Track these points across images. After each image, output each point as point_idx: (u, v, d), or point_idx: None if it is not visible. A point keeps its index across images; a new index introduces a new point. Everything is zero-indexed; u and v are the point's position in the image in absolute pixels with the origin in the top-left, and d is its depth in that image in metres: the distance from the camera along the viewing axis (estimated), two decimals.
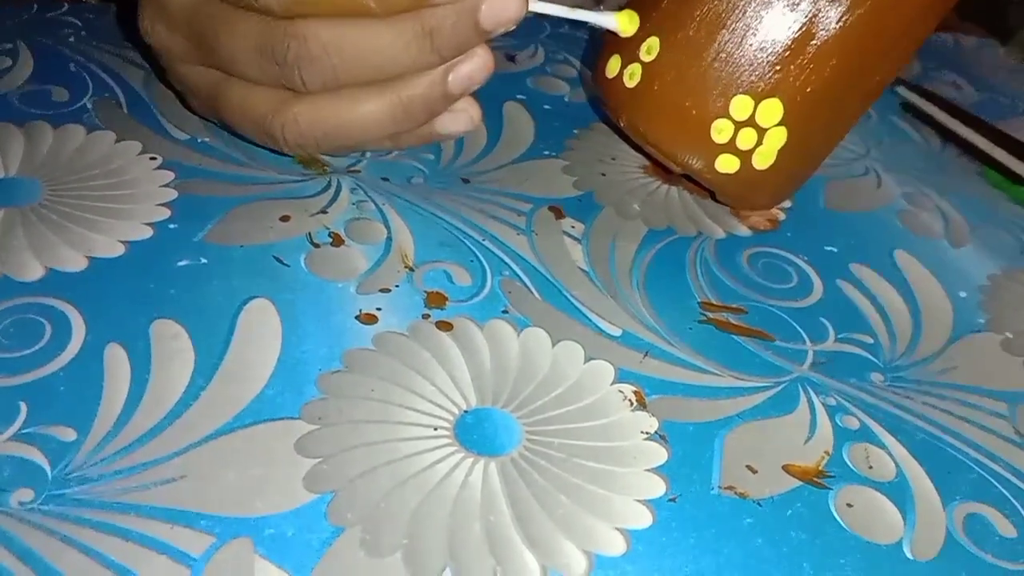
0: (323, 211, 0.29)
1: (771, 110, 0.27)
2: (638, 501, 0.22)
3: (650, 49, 0.28)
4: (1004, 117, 0.44)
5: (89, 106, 0.32)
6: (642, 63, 0.28)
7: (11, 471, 0.20)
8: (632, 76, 0.28)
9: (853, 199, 0.36)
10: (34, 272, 0.25)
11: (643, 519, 0.21)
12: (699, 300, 0.28)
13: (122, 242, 0.26)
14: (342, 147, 0.28)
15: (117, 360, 0.23)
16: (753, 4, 0.27)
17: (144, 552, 0.19)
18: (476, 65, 0.25)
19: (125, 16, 0.39)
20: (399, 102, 0.25)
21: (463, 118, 0.27)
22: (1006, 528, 0.23)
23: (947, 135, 0.42)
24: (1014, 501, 0.24)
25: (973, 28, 0.60)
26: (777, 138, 0.28)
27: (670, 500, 0.22)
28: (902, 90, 0.44)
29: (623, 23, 0.28)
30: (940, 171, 0.39)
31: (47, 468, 0.20)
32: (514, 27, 0.24)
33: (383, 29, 0.24)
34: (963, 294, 0.31)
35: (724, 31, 0.27)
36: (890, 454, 0.24)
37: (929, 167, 0.39)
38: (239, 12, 0.24)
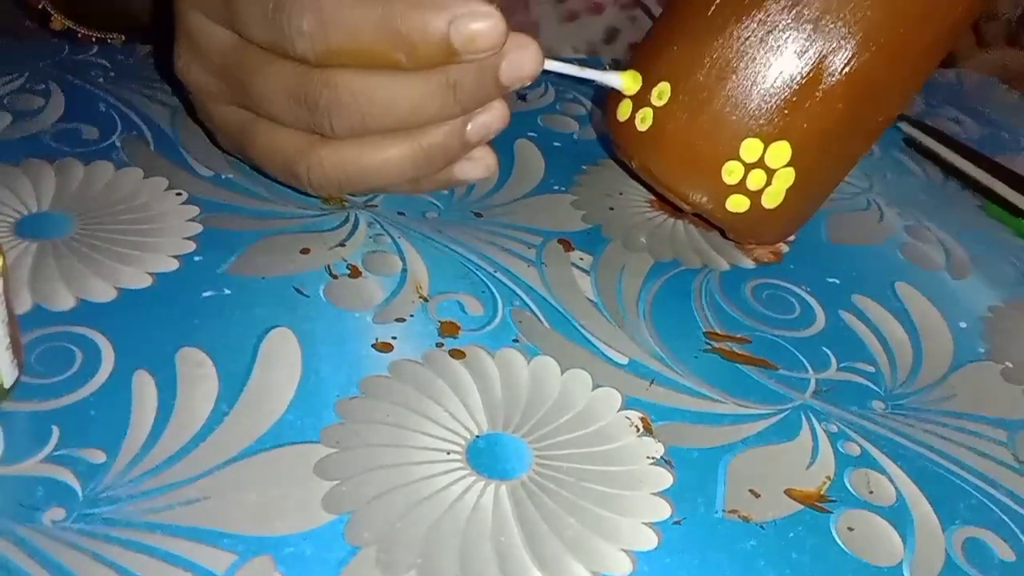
0: (341, 244, 0.30)
1: (780, 152, 0.28)
2: (644, 524, 0.22)
3: (661, 94, 0.29)
4: (1005, 152, 0.45)
5: (118, 144, 0.34)
6: (653, 107, 0.29)
7: (44, 491, 0.21)
8: (644, 120, 0.29)
9: (855, 232, 0.36)
10: (66, 302, 0.26)
11: (649, 541, 0.22)
12: (704, 330, 0.29)
13: (149, 274, 0.28)
14: (363, 190, 0.29)
15: (145, 386, 0.24)
16: (762, 51, 0.28)
17: (169, 569, 0.20)
18: (494, 116, 0.27)
19: (159, 54, 0.41)
20: (420, 149, 0.27)
21: (480, 166, 0.29)
22: (1005, 552, 0.23)
23: (949, 170, 0.42)
24: (1013, 526, 0.24)
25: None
26: (785, 178, 0.29)
27: (675, 523, 0.23)
28: (905, 126, 0.45)
29: (627, 82, 0.29)
30: (942, 205, 0.40)
31: (78, 488, 0.21)
32: (530, 83, 0.26)
33: (411, 82, 0.25)
34: (964, 324, 0.32)
35: (734, 76, 0.28)
36: (890, 479, 0.25)
37: (931, 201, 0.40)
38: (274, 58, 0.26)
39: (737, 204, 0.29)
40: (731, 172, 0.28)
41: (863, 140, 0.31)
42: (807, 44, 0.27)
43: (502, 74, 0.25)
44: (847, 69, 0.27)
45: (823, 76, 0.27)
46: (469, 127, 0.27)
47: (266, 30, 0.25)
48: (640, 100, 0.29)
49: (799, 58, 0.27)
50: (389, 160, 0.27)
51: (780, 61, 0.27)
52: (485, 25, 0.24)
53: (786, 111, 0.28)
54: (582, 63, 0.29)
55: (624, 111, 0.30)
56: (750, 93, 0.28)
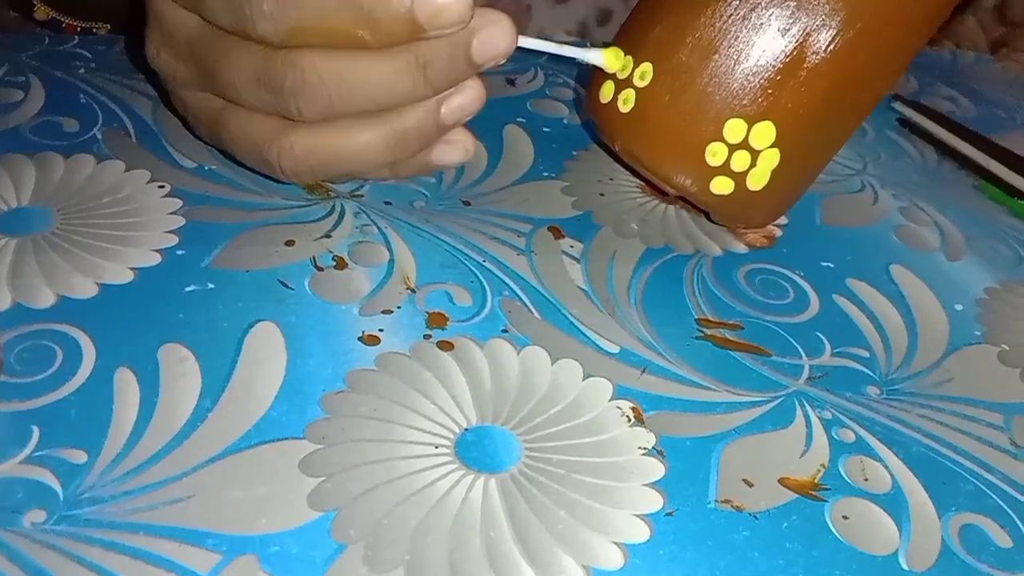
0: (327, 235, 0.30)
1: (764, 133, 0.28)
2: (636, 516, 0.22)
3: (644, 75, 0.28)
4: (1001, 131, 0.44)
5: (99, 136, 0.33)
6: (636, 88, 0.29)
7: (24, 493, 0.20)
8: (626, 101, 0.29)
9: (849, 215, 0.36)
10: (46, 299, 0.26)
11: (641, 533, 0.22)
12: (696, 317, 0.29)
13: (131, 269, 0.27)
14: (338, 175, 0.29)
15: (126, 384, 0.23)
16: (745, 30, 0.27)
17: (153, 570, 0.19)
18: (469, 96, 0.26)
19: (134, 44, 0.40)
20: (393, 132, 0.26)
21: (459, 149, 0.28)
22: (1002, 538, 0.23)
23: (944, 150, 0.42)
24: (1010, 512, 0.24)
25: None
26: (770, 160, 0.28)
27: (667, 514, 0.22)
28: (899, 105, 0.45)
29: (609, 59, 0.29)
30: (937, 185, 0.39)
31: (59, 490, 0.21)
32: (504, 61, 0.25)
33: (378, 61, 0.24)
34: (959, 307, 0.32)
35: (716, 55, 0.27)
36: (886, 466, 0.25)
37: (926, 182, 0.39)
38: (238, 41, 0.25)
39: (722, 186, 0.29)
40: (715, 153, 0.28)
41: (850, 120, 0.30)
42: (790, 22, 0.27)
43: (474, 52, 0.25)
44: (831, 47, 0.27)
45: (807, 55, 0.27)
46: (443, 109, 0.26)
47: (228, 12, 0.24)
48: (623, 81, 0.29)
49: (782, 36, 0.27)
50: (362, 144, 0.26)
51: (763, 40, 0.27)
52: None
53: (770, 91, 0.27)
54: (565, 43, 0.28)
55: (607, 93, 0.30)
56: (733, 72, 0.27)
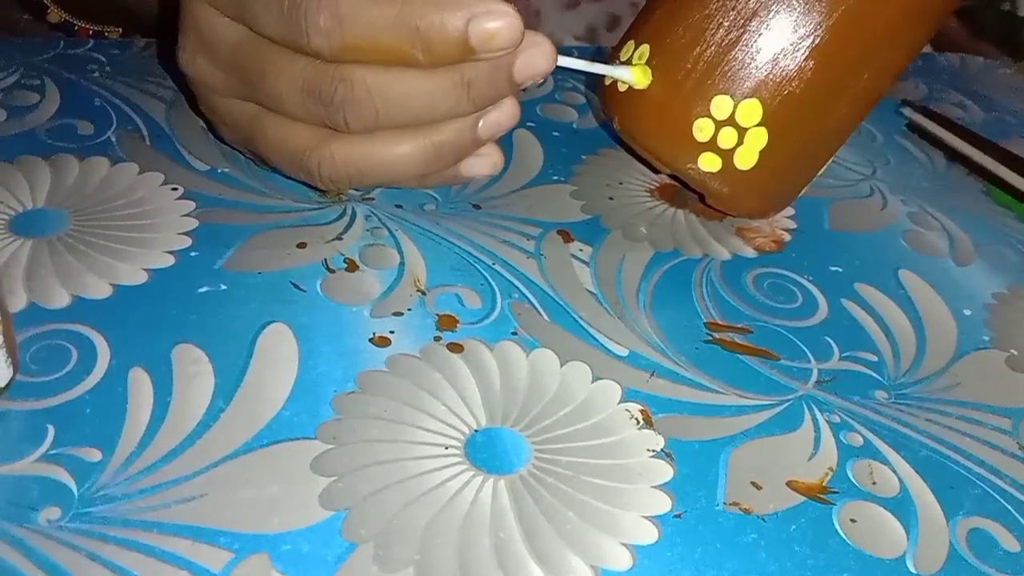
0: (338, 238, 0.30)
1: (750, 110, 0.29)
2: (644, 517, 0.22)
3: (642, 55, 0.30)
4: (1010, 136, 0.44)
5: (113, 139, 0.34)
6: (633, 67, 0.30)
7: (39, 490, 0.21)
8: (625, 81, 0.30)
9: (858, 219, 0.36)
10: (61, 299, 0.26)
11: (649, 535, 0.22)
12: (705, 320, 0.29)
13: (145, 270, 0.27)
14: (373, 184, 0.29)
15: (140, 383, 0.24)
16: (732, 13, 0.28)
17: (166, 568, 0.19)
18: (505, 113, 0.27)
19: (161, 46, 0.40)
20: (431, 145, 0.27)
21: (487, 162, 0.29)
22: (1009, 542, 0.23)
23: (952, 155, 0.42)
24: (1018, 516, 0.24)
25: (985, 47, 0.60)
26: (758, 138, 0.29)
27: (676, 516, 0.22)
28: (908, 111, 0.45)
29: (638, 77, 0.29)
30: (945, 191, 0.39)
31: (73, 487, 0.21)
32: (543, 80, 0.26)
33: (425, 79, 0.25)
34: (968, 312, 0.32)
35: (706, 35, 0.28)
36: (894, 470, 0.25)
37: (934, 187, 0.40)
38: (287, 53, 0.25)
39: (709, 163, 0.29)
40: (702, 129, 0.29)
41: (846, 107, 0.30)
42: (777, 4, 0.28)
43: (516, 72, 0.26)
44: (818, 29, 0.28)
45: (794, 37, 0.28)
46: (480, 124, 0.27)
47: (280, 25, 0.25)
48: (624, 62, 0.30)
49: (770, 18, 0.28)
50: (400, 155, 0.27)
51: (751, 20, 0.28)
52: (503, 23, 0.24)
53: (755, 70, 0.28)
54: (587, 52, 0.29)
55: None
56: (721, 51, 0.28)
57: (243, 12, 0.26)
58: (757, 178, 0.30)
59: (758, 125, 0.29)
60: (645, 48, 0.30)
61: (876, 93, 0.30)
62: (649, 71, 0.29)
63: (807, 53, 0.28)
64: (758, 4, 0.28)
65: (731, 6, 0.28)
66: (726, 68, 0.28)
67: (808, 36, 0.28)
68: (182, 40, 0.28)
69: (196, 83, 0.29)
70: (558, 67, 0.27)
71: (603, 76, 0.31)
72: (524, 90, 0.27)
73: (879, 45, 0.29)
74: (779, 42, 0.28)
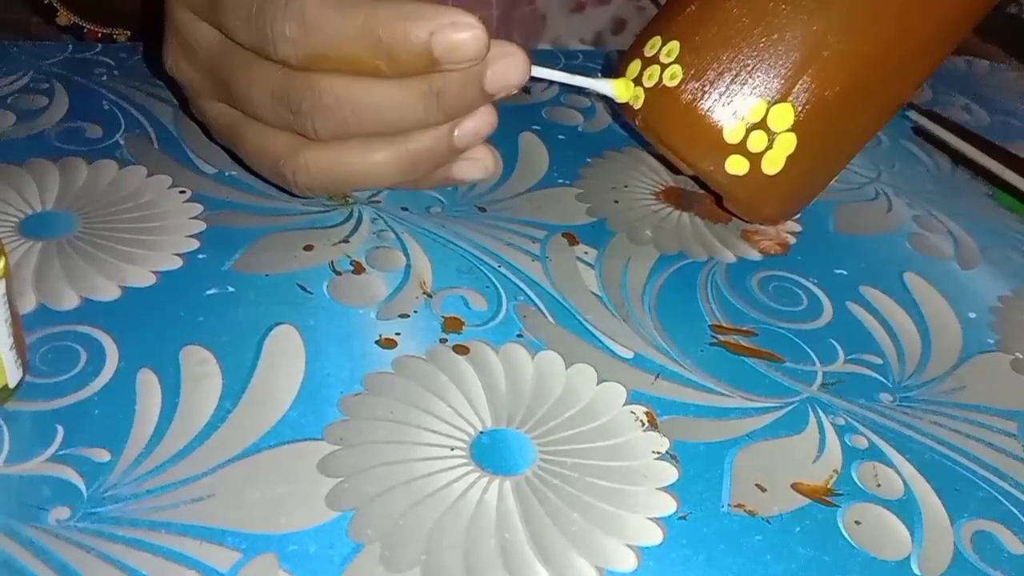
0: (345, 240, 0.30)
1: (782, 115, 0.28)
2: (649, 519, 0.22)
3: (671, 52, 0.29)
4: (1015, 140, 0.44)
5: (122, 142, 0.34)
6: (661, 65, 0.29)
7: (49, 490, 0.21)
8: (651, 77, 0.29)
9: (863, 223, 0.36)
10: (70, 301, 0.26)
11: (654, 536, 0.22)
12: (710, 323, 0.29)
13: (153, 272, 0.28)
14: (351, 191, 0.29)
15: (149, 385, 0.24)
16: (769, 14, 0.28)
17: (174, 567, 0.20)
18: (481, 122, 0.27)
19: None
20: (406, 153, 0.27)
21: (478, 166, 0.29)
22: (1014, 545, 0.23)
23: (958, 158, 0.42)
24: (1022, 518, 0.24)
25: (994, 50, 0.60)
26: (787, 144, 0.29)
27: (680, 518, 0.22)
28: (913, 114, 0.45)
29: (619, 90, 0.29)
30: (951, 194, 0.39)
31: (83, 487, 0.21)
32: (516, 91, 0.26)
33: (393, 88, 0.25)
34: (972, 315, 0.32)
35: (741, 36, 0.28)
36: (898, 472, 0.25)
37: (940, 190, 0.40)
38: (257, 59, 0.25)
39: (737, 166, 0.29)
40: (733, 131, 0.29)
41: (870, 118, 0.31)
42: (814, 8, 0.28)
43: (487, 83, 0.25)
44: (853, 37, 0.28)
45: (829, 42, 0.28)
46: (456, 132, 0.27)
47: (249, 32, 0.25)
48: (650, 58, 0.30)
49: (806, 23, 0.28)
50: (375, 164, 0.26)
51: (788, 24, 0.28)
52: (467, 36, 0.24)
53: (790, 74, 0.28)
54: (592, 57, 0.29)
55: (633, 70, 0.30)
56: (756, 54, 0.28)
57: (217, 16, 0.26)
58: (780, 184, 0.30)
59: (788, 130, 0.28)
60: (675, 45, 0.29)
61: (899, 103, 0.30)
62: (632, 85, 0.29)
63: (841, 61, 0.28)
64: (795, 5, 0.28)
65: (770, 8, 0.28)
66: (761, 70, 0.28)
67: (843, 42, 0.28)
68: (166, 44, 0.28)
69: (182, 86, 0.29)
70: (538, 79, 0.27)
71: (624, 70, 0.30)
72: (528, 91, 0.27)
73: (915, 57, 0.29)
74: (814, 47, 0.28)
